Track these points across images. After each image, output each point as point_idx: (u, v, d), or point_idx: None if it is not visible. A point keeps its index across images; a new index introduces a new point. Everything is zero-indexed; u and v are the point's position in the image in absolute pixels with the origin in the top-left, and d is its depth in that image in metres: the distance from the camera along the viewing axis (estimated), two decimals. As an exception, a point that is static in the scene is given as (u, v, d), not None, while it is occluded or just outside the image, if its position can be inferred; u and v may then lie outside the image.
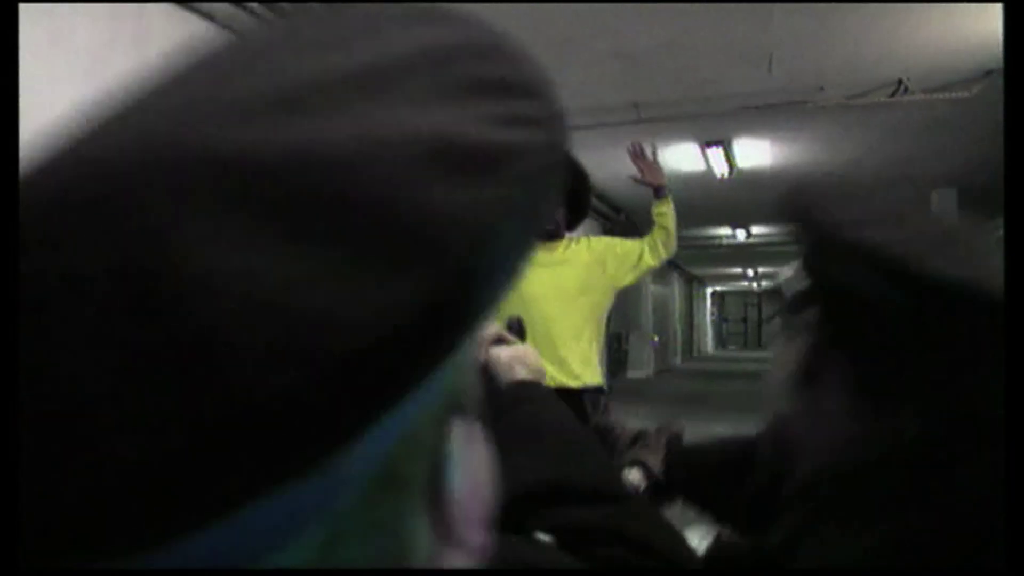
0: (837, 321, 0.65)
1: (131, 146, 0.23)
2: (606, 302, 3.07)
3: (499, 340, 0.85)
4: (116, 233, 0.21)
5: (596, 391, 2.94)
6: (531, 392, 0.75)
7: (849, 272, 0.62)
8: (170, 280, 0.21)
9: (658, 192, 3.07)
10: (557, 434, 0.68)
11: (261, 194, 0.22)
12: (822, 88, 5.77)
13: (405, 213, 0.22)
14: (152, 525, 0.21)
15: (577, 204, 3.05)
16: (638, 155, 3.12)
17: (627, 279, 3.06)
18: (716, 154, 7.76)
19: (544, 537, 0.51)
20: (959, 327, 0.60)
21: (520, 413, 0.71)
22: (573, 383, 2.83)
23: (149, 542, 0.21)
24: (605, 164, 8.85)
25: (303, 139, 0.23)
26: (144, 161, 0.23)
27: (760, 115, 6.23)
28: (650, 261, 3.02)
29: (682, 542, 0.55)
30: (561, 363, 2.85)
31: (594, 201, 9.93)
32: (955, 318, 0.59)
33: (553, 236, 2.96)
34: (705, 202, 10.20)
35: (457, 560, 0.31)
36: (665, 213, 3.04)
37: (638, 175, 3.11)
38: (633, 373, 16.18)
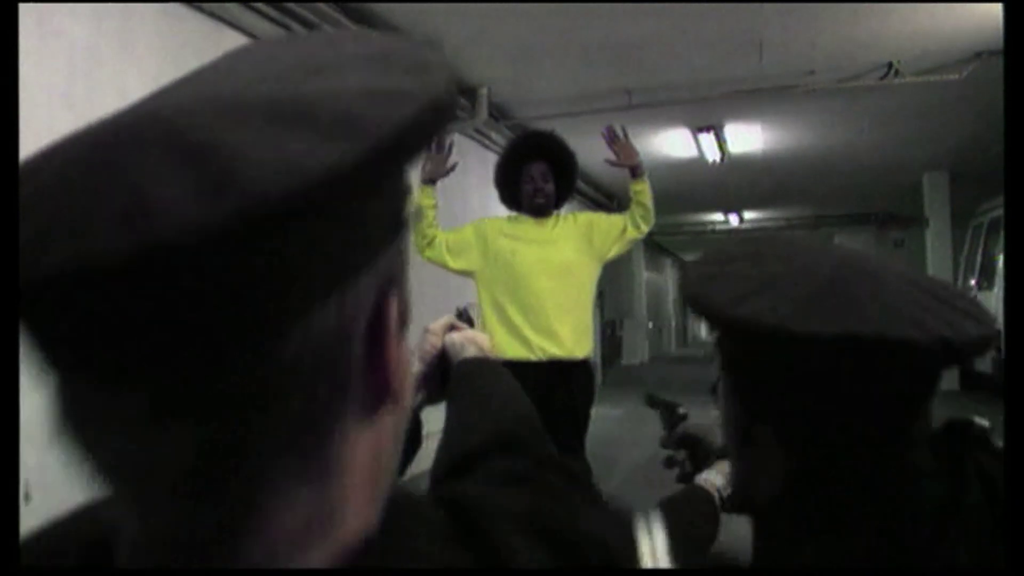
0: (737, 385, 0.74)
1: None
2: (595, 275, 3.19)
3: (452, 328, 0.94)
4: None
5: (585, 363, 3.06)
6: (479, 366, 0.85)
7: (733, 343, 0.73)
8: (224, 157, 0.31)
9: (634, 171, 3.16)
10: (500, 399, 0.77)
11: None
12: (812, 72, 5.77)
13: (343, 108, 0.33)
14: None
15: (565, 182, 3.19)
16: (612, 138, 3.23)
17: (612, 251, 3.18)
18: (708, 140, 7.76)
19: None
20: (834, 374, 0.66)
21: (469, 384, 0.81)
22: (559, 351, 2.97)
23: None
24: (597, 150, 8.83)
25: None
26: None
27: (751, 100, 6.23)
28: (633, 234, 3.14)
29: (598, 499, 0.59)
30: (553, 335, 2.98)
31: (587, 187, 9.93)
32: (827, 366, 0.66)
33: (543, 211, 3.11)
34: (697, 188, 10.22)
35: (390, 416, 0.39)
36: (642, 191, 3.14)
37: (613, 158, 3.22)
38: (628, 360, 16.23)
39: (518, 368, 3.03)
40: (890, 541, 0.68)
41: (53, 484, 2.86)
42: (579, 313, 3.07)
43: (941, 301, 0.71)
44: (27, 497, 2.76)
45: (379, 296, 0.37)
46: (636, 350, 16.62)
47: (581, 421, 3.11)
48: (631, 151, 3.18)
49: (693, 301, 0.73)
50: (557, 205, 3.20)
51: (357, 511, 0.38)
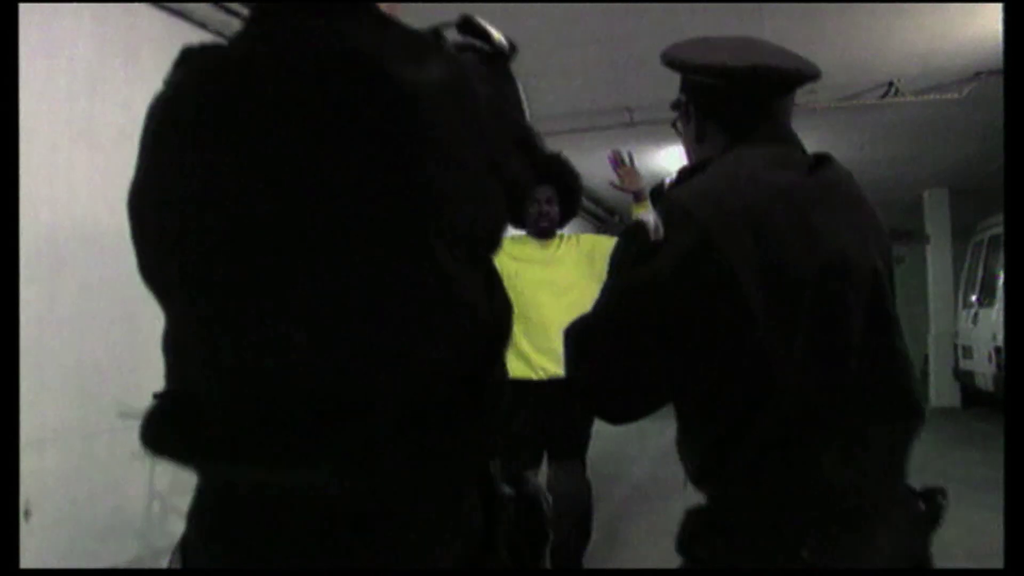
0: (695, 103, 1.37)
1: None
2: (596, 296, 3.16)
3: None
4: None
5: None
6: None
7: (697, 78, 1.33)
8: None
9: (637, 196, 3.20)
10: None
11: None
12: (813, 91, 5.79)
13: None
14: None
15: (570, 204, 3.27)
16: (617, 163, 3.26)
17: None
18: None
19: None
20: (720, 93, 1.30)
21: None
22: (560, 371, 2.88)
23: None
24: (598, 167, 8.86)
25: None
26: None
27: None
28: None
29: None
30: (554, 355, 2.92)
31: (588, 204, 9.96)
32: (718, 88, 1.30)
33: (547, 234, 3.20)
34: (698, 204, 10.23)
35: None
36: (643, 212, 3.10)
37: (617, 182, 3.25)
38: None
39: (519, 387, 2.99)
40: None
41: (53, 499, 2.85)
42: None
43: (787, 52, 1.37)
44: (27, 515, 2.74)
45: None
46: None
47: (582, 439, 3.16)
48: (635, 177, 3.20)
49: (672, 60, 1.34)
50: (560, 225, 3.26)
51: None
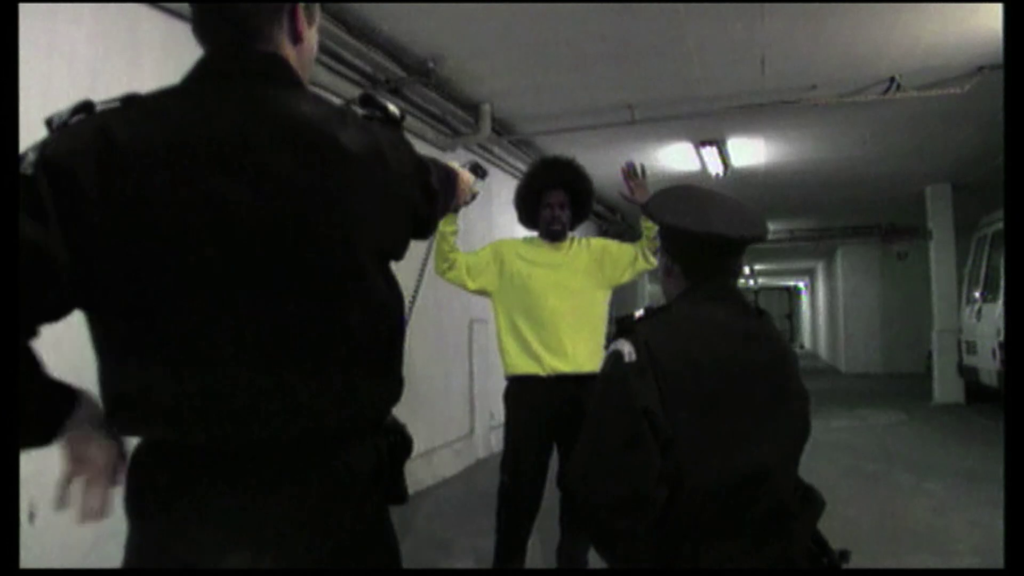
0: (667, 249, 1.70)
1: None
2: (605, 298, 3.33)
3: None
4: None
5: (595, 377, 3.02)
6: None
7: (666, 231, 1.67)
8: None
9: (645, 209, 3.12)
10: None
11: None
12: (814, 86, 5.80)
13: None
14: None
15: (582, 208, 3.36)
16: (629, 174, 3.24)
17: (623, 278, 3.33)
18: (711, 153, 7.78)
19: None
20: (682, 245, 1.64)
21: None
22: (568, 369, 3.11)
23: None
24: (600, 164, 8.84)
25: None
26: None
27: (753, 114, 6.25)
28: (643, 265, 3.28)
29: None
30: (562, 354, 3.14)
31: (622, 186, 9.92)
32: (681, 241, 1.63)
33: (559, 237, 3.28)
34: (700, 201, 10.21)
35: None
36: (653, 227, 3.19)
37: (627, 192, 3.24)
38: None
39: (529, 383, 3.13)
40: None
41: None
42: (589, 333, 3.19)
43: (742, 215, 1.62)
44: (32, 516, 2.75)
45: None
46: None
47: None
48: (646, 191, 3.20)
49: (651, 214, 1.71)
50: (572, 227, 3.34)
51: None
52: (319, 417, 1.07)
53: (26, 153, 1.01)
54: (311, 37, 1.24)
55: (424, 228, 1.35)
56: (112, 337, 1.11)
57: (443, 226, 3.09)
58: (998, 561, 3.62)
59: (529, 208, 3.31)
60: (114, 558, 3.09)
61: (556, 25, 4.61)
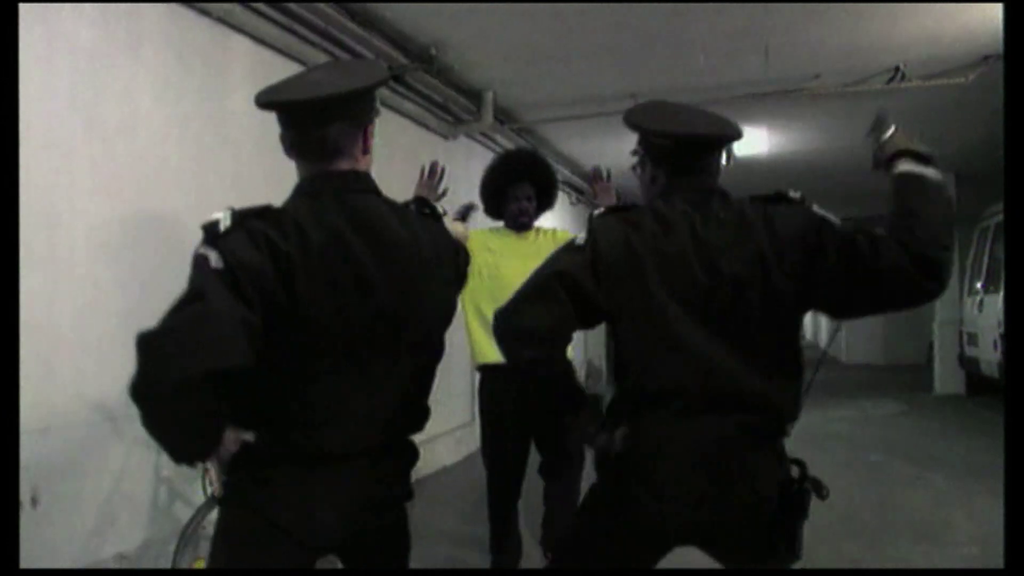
0: (646, 150, 1.88)
1: None
2: None
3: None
4: None
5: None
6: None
7: (646, 136, 1.85)
8: None
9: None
10: None
11: None
12: (818, 75, 5.76)
13: None
14: None
15: (546, 199, 3.47)
16: (595, 178, 3.26)
17: None
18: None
19: None
20: (668, 150, 1.81)
21: None
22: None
23: None
24: (602, 152, 8.82)
25: None
26: None
27: (757, 103, 6.21)
28: None
29: None
30: None
31: (589, 188, 9.93)
32: (667, 146, 1.81)
33: (525, 227, 3.40)
34: (703, 191, 10.18)
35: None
36: None
37: (593, 195, 3.30)
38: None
39: (499, 372, 3.12)
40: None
41: (59, 486, 2.87)
42: None
43: (717, 119, 1.89)
44: (34, 502, 2.76)
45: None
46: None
47: (564, 425, 3.12)
48: (609, 194, 3.20)
49: (636, 124, 1.84)
50: (536, 216, 3.45)
51: None
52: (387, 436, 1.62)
53: (205, 255, 1.40)
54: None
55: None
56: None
57: None
58: (998, 551, 3.63)
59: (495, 200, 3.40)
60: (112, 542, 3.09)
61: (559, 13, 4.59)
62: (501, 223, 3.46)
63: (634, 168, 1.89)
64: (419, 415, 1.69)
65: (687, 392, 1.64)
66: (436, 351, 1.69)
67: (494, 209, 3.44)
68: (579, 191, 9.68)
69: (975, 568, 3.12)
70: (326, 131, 1.54)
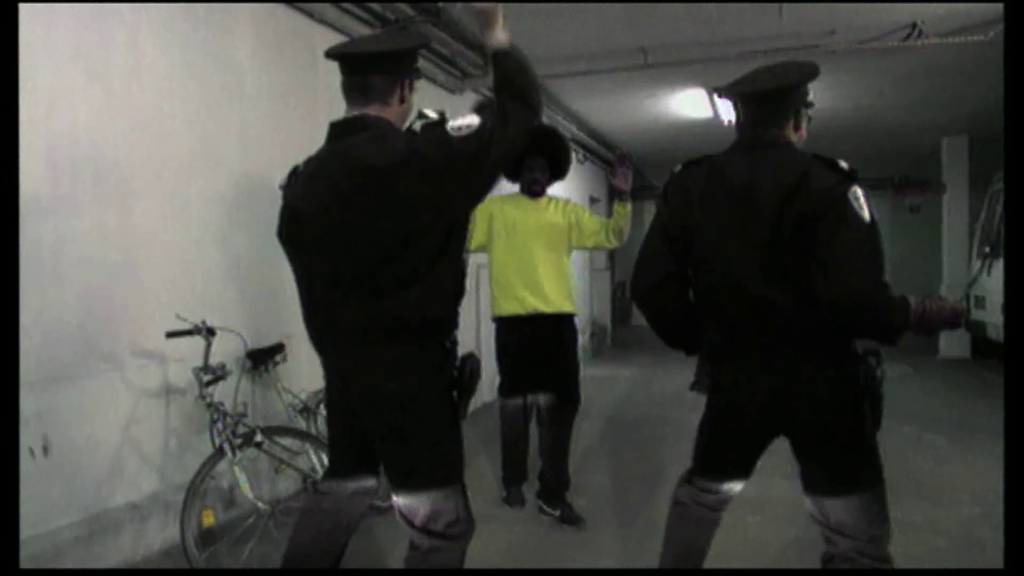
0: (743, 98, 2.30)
1: None
2: (569, 255, 3.90)
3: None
4: None
5: (571, 317, 3.81)
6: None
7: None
8: None
9: (622, 196, 3.68)
10: None
11: None
12: (833, 32, 5.65)
13: None
14: None
15: (559, 172, 3.86)
16: (621, 163, 3.66)
17: (586, 245, 3.88)
18: (724, 100, 7.65)
19: None
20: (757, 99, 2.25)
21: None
22: (546, 308, 3.66)
23: None
24: (612, 108, 8.73)
25: None
26: None
27: (769, 60, 6.08)
28: (604, 243, 3.81)
29: None
30: (539, 292, 3.67)
31: (598, 147, 9.86)
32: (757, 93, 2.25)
33: (538, 194, 3.80)
34: (711, 149, 10.05)
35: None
36: (623, 214, 3.71)
37: (613, 176, 3.63)
38: (637, 320, 16.21)
39: (511, 322, 3.63)
40: None
41: (70, 436, 2.90)
42: (562, 280, 3.75)
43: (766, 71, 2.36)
44: (46, 450, 2.80)
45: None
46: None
47: (572, 363, 3.78)
48: (627, 180, 3.62)
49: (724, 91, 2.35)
50: (548, 185, 3.85)
51: None
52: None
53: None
54: (411, 99, 2.08)
55: (488, 172, 1.92)
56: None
57: None
58: (997, 510, 3.67)
59: (512, 168, 3.66)
60: (123, 491, 3.14)
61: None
62: (516, 188, 3.84)
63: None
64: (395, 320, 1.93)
65: None
66: (401, 244, 1.90)
67: (511, 175, 3.73)
68: (587, 149, 9.60)
69: (975, 568, 3.14)
70: (366, 79, 2.00)
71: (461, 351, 2.08)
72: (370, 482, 2.19)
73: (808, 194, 1.95)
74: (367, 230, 1.89)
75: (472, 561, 2.09)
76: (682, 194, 2.19)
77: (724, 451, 2.23)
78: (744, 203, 2.04)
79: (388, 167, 1.85)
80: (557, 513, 3.71)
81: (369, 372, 1.96)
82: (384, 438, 2.01)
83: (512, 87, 1.89)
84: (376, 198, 1.86)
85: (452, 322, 2.04)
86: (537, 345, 3.63)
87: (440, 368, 2.00)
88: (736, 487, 2.27)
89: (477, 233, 3.69)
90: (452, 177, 1.86)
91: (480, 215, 3.67)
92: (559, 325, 3.69)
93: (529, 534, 3.58)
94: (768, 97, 2.17)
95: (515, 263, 3.66)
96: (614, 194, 3.75)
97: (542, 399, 3.78)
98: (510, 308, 3.67)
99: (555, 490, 3.75)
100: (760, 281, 2.00)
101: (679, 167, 2.24)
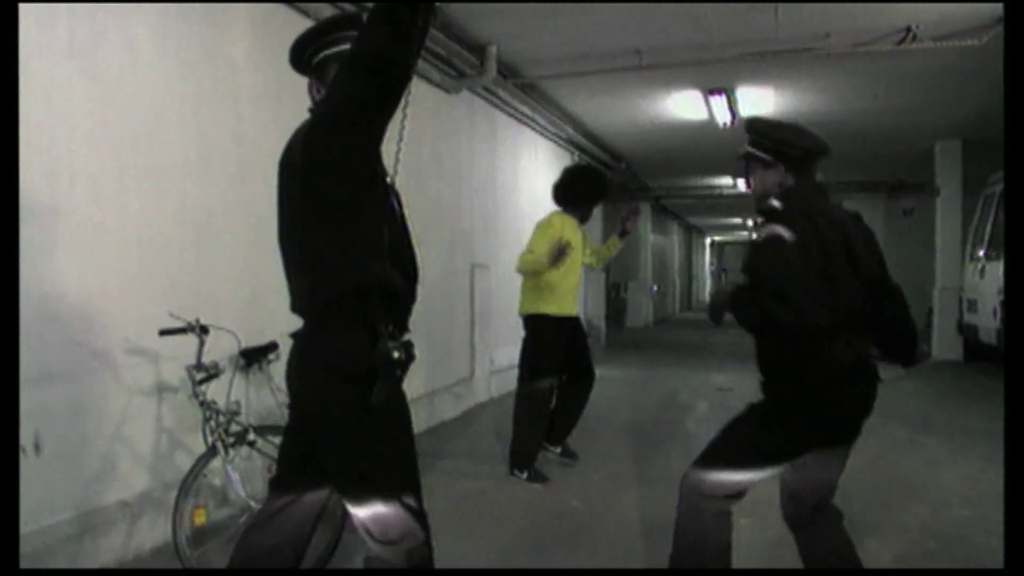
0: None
1: None
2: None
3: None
4: None
5: (578, 318, 4.81)
6: None
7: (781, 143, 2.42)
8: None
9: (622, 234, 4.84)
10: None
11: None
12: (828, 35, 5.67)
13: None
14: None
15: (594, 203, 4.77)
16: (635, 212, 4.90)
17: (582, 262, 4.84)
18: (719, 102, 7.67)
19: None
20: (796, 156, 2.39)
21: None
22: (573, 313, 4.66)
23: None
24: (607, 110, 8.74)
25: None
26: None
27: (764, 62, 6.13)
28: (593, 265, 4.97)
29: None
30: (577, 300, 4.76)
31: (594, 149, 9.86)
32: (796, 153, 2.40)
33: (583, 220, 4.72)
34: (706, 151, 10.11)
35: None
36: (616, 246, 4.90)
37: (623, 222, 4.79)
38: (632, 322, 16.24)
39: (550, 320, 4.55)
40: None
41: (62, 433, 2.89)
42: (579, 290, 4.81)
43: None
44: (38, 448, 2.79)
45: None
46: (640, 312, 16.63)
47: (587, 349, 4.80)
48: (633, 224, 4.90)
49: (768, 133, 2.43)
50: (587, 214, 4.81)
51: None
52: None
53: None
54: None
55: (372, 106, 1.72)
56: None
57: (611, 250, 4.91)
58: (989, 514, 3.69)
59: (581, 204, 4.63)
60: (115, 489, 3.11)
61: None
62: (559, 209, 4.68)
63: (746, 160, 2.46)
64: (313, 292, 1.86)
65: None
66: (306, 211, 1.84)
67: (571, 205, 4.62)
68: (582, 149, 9.60)
69: (975, 568, 3.15)
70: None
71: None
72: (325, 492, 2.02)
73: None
74: (288, 208, 1.92)
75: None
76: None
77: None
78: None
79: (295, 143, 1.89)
80: (558, 451, 4.73)
81: (291, 363, 1.89)
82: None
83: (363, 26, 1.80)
84: (288, 175, 1.90)
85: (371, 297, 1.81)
86: (575, 337, 4.62)
87: (351, 354, 1.76)
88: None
89: (544, 241, 4.42)
90: (324, 140, 1.77)
91: (551, 229, 4.46)
92: (576, 323, 4.70)
93: (527, 529, 3.58)
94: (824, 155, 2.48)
95: (572, 278, 4.58)
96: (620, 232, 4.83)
97: (566, 377, 4.61)
98: (563, 310, 4.53)
99: (561, 435, 4.71)
100: None
101: (773, 208, 2.43)
